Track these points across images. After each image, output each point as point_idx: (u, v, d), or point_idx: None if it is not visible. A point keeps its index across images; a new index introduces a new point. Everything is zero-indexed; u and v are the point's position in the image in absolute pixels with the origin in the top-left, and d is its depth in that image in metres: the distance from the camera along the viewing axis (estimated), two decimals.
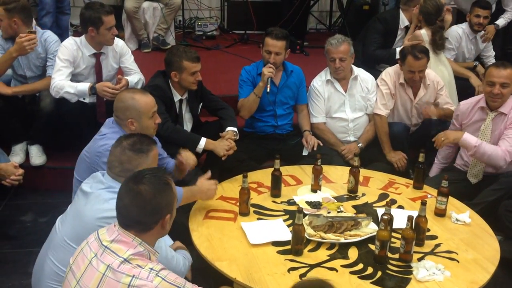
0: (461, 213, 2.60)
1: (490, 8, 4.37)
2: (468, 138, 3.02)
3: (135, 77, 3.44)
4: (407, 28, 4.24)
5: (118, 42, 3.46)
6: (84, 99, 3.20)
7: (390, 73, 3.60)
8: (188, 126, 3.27)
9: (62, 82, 3.18)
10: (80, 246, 1.71)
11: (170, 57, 3.07)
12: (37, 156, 3.49)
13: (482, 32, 4.49)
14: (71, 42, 3.31)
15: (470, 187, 3.14)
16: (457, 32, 4.39)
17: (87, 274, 1.60)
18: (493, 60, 4.63)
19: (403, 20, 4.28)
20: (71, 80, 3.25)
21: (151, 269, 1.57)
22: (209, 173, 2.58)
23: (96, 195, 1.97)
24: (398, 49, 3.94)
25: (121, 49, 3.47)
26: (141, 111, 2.43)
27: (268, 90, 3.30)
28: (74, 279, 1.62)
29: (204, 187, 2.51)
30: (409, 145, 3.56)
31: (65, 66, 3.23)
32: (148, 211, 1.63)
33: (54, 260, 1.96)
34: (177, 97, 3.15)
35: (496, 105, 3.08)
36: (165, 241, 2.01)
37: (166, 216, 1.67)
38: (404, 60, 3.46)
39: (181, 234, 2.34)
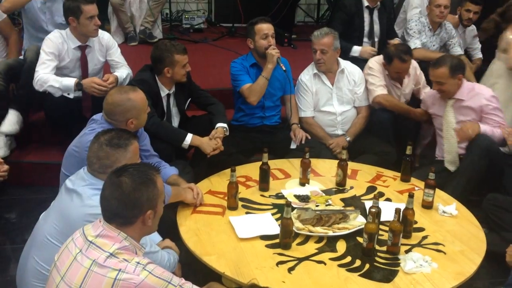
0: (448, 205, 2.62)
1: (482, 4, 4.37)
2: (484, 128, 3.10)
3: (124, 72, 3.40)
4: (368, 8, 4.13)
5: (104, 35, 3.42)
6: (68, 94, 3.15)
7: (377, 60, 3.65)
8: (175, 121, 3.24)
9: (47, 76, 3.13)
10: (65, 243, 1.69)
11: (160, 53, 3.01)
12: (10, 124, 3.31)
13: (472, 26, 4.51)
14: (56, 35, 3.26)
15: (452, 177, 3.18)
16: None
17: (71, 270, 1.58)
18: (479, 53, 4.67)
19: (364, 1, 4.14)
20: (56, 73, 3.21)
21: (138, 263, 1.56)
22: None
23: (79, 192, 1.94)
24: (354, 48, 3.97)
25: (107, 42, 3.43)
26: (140, 108, 2.42)
27: (284, 69, 3.34)
28: (58, 275, 1.61)
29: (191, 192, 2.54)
30: (395, 133, 3.60)
31: (50, 59, 3.18)
32: (126, 204, 1.61)
33: (37, 259, 1.94)
34: (164, 92, 3.12)
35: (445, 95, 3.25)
36: (150, 237, 1.99)
37: (147, 212, 1.64)
38: (390, 63, 3.51)
39: (169, 229, 2.33)
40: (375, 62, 3.65)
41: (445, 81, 3.16)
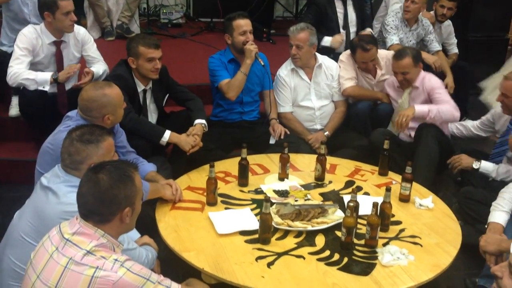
0: (424, 198, 2.66)
1: (456, 0, 4.42)
2: (420, 108, 3.32)
3: (100, 68, 3.36)
4: None
5: (79, 30, 3.37)
6: (44, 87, 3.10)
7: (347, 53, 3.71)
8: (153, 117, 3.21)
9: (21, 70, 3.08)
10: (41, 240, 1.66)
11: (129, 43, 3.02)
12: (15, 107, 3.44)
13: (448, 22, 4.57)
14: (30, 30, 3.20)
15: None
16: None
17: (47, 268, 1.56)
18: (455, 48, 4.73)
19: None
20: (31, 69, 3.16)
21: (116, 260, 1.54)
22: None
23: (54, 190, 1.91)
24: (325, 38, 4.01)
25: (83, 37, 3.38)
26: (116, 104, 2.40)
27: (262, 64, 3.36)
28: (34, 274, 1.58)
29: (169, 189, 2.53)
30: (372, 123, 3.64)
31: (24, 54, 3.13)
32: (104, 201, 1.60)
33: (12, 258, 1.91)
34: (140, 87, 3.08)
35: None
36: (128, 233, 1.97)
37: (124, 209, 1.63)
38: (354, 53, 3.59)
39: (148, 226, 2.31)
40: (345, 55, 3.71)
41: (409, 70, 3.39)
